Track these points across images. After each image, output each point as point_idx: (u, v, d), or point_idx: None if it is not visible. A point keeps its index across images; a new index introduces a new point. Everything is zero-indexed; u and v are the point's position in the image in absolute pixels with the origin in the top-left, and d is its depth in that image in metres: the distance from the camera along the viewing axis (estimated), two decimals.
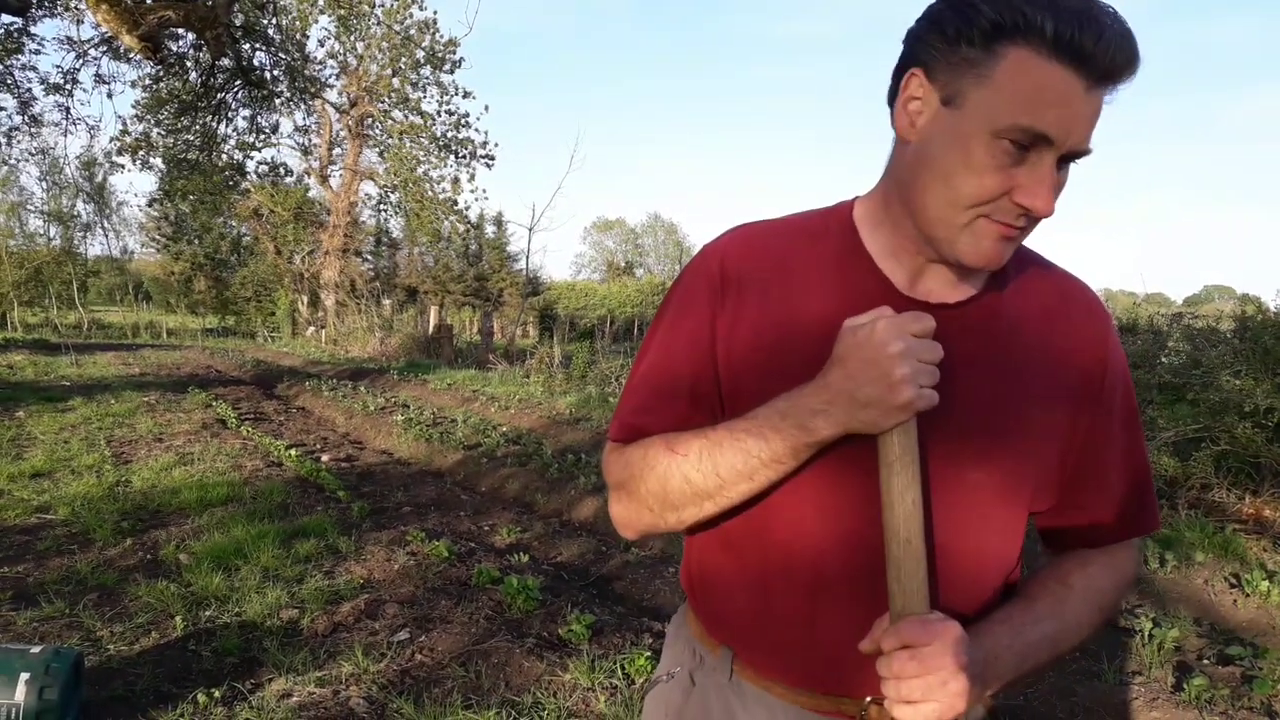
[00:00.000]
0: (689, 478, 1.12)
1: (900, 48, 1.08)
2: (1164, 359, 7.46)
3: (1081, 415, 1.15)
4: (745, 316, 1.16)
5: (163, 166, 21.16)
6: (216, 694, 3.39)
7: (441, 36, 28.20)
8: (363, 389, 13.78)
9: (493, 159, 29.19)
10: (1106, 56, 0.94)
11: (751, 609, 1.20)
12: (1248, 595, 4.57)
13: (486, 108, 39.50)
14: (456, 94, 29.03)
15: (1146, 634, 4.00)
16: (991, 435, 1.10)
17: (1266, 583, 4.54)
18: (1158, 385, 6.98)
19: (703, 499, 1.12)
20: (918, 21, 1.05)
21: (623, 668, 3.63)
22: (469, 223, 31.88)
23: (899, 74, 1.07)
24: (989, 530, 1.14)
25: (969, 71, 0.98)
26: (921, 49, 1.03)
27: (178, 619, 4.11)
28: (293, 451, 8.59)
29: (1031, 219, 1.01)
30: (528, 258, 26.95)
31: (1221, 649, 4.06)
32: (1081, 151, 0.99)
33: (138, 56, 13.32)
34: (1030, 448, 1.13)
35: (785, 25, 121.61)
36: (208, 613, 4.25)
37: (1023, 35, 0.94)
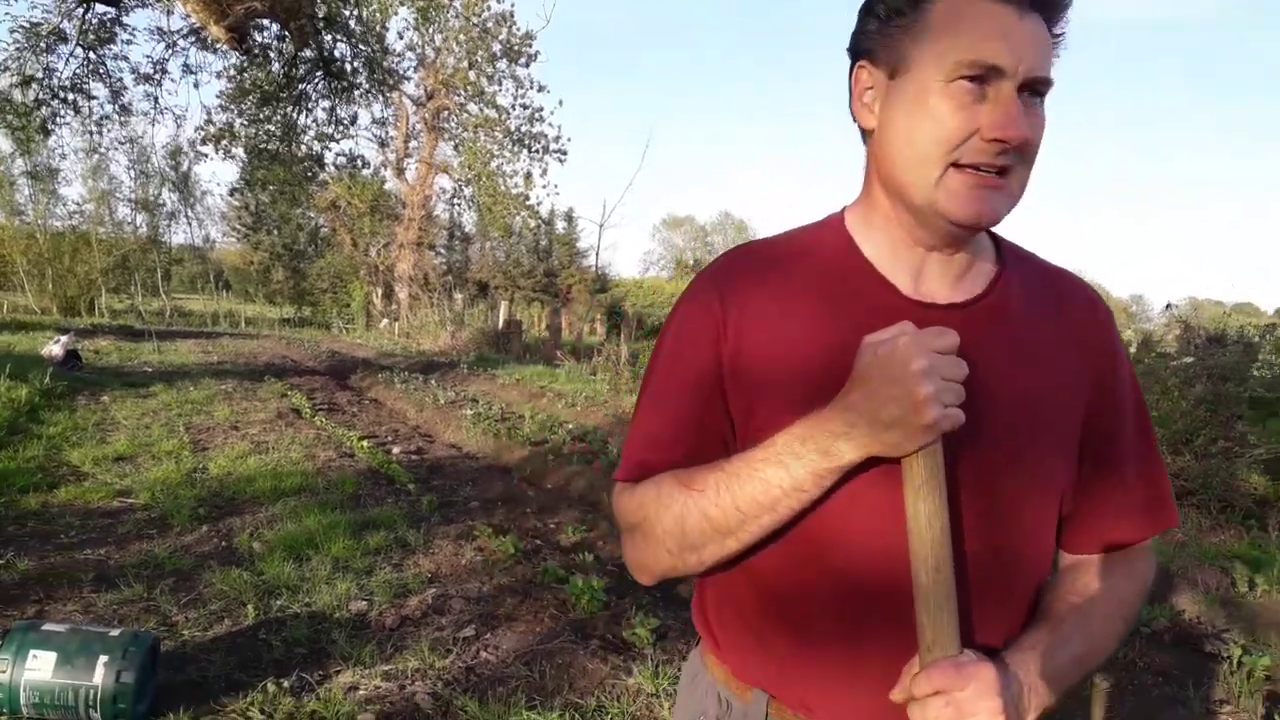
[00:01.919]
0: (707, 514, 1.06)
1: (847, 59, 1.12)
2: (1256, 372, 7.19)
3: (1096, 408, 1.13)
4: (748, 339, 1.11)
5: (244, 156, 21.61)
6: (285, 684, 3.44)
7: (518, 29, 28.42)
8: (433, 382, 13.95)
9: (565, 154, 29.41)
10: None
11: (787, 647, 1.13)
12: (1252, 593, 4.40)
13: (561, 102, 39.69)
14: (531, 88, 29.28)
15: (1235, 661, 3.84)
16: (1017, 438, 1.07)
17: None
18: (1249, 399, 6.72)
19: (724, 536, 1.07)
20: (856, 20, 1.10)
21: None
22: (540, 218, 32.13)
23: (850, 76, 1.11)
24: (1024, 540, 1.11)
25: (904, 37, 1.02)
26: (861, 42, 1.08)
27: (249, 607, 4.18)
28: (365, 443, 8.72)
29: (1010, 154, 0.99)
30: (597, 254, 27.15)
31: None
32: (1042, 80, 0.98)
33: (224, 47, 13.64)
34: (1055, 446, 1.10)
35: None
36: (279, 602, 4.32)
37: None
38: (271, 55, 17.00)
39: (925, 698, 0.96)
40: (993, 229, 1.12)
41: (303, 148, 22.11)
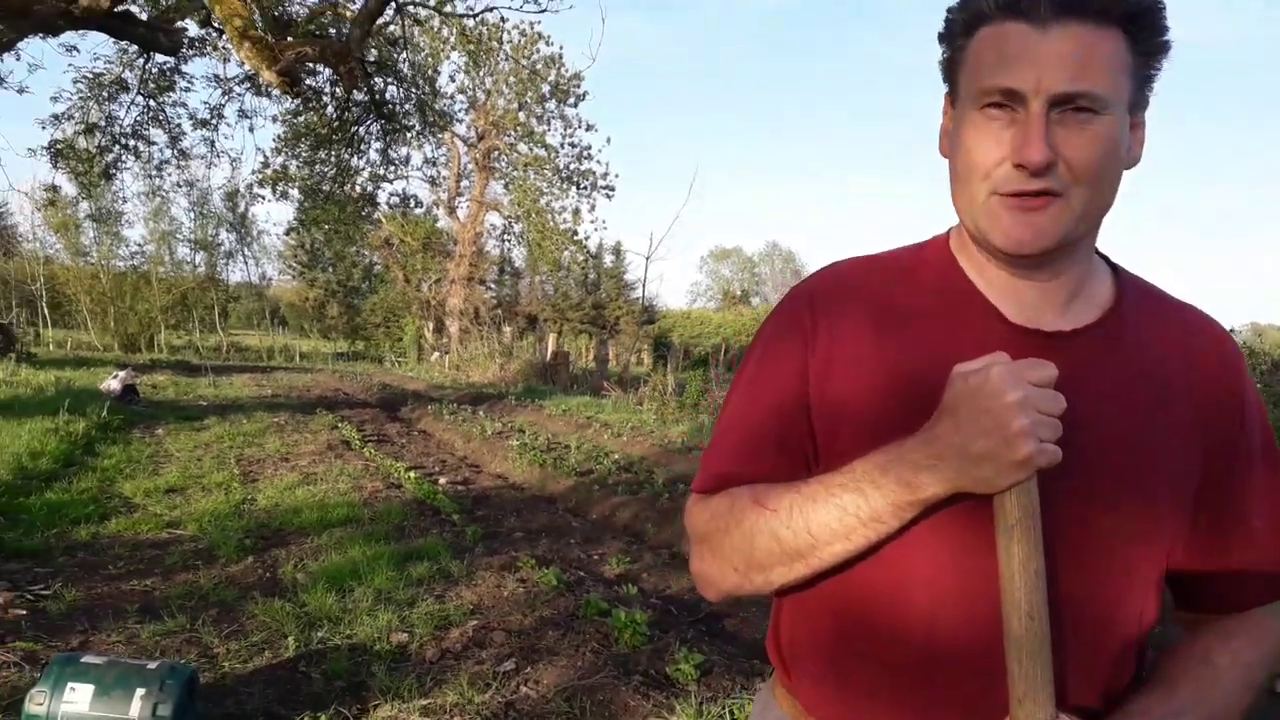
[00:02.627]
0: (778, 535, 1.02)
1: None
2: None
3: (1217, 453, 1.04)
4: (840, 358, 1.07)
5: (299, 197, 22.05)
6: (323, 718, 3.40)
7: (566, 71, 28.77)
8: (481, 413, 13.99)
9: (613, 189, 29.62)
10: None
11: (861, 686, 1.07)
12: None
13: (609, 140, 39.98)
14: (579, 126, 29.60)
15: None
16: (1122, 477, 0.99)
17: None
18: None
19: (793, 559, 1.02)
20: None
21: (732, 713, 3.49)
22: (588, 252, 32.36)
23: None
24: (1126, 587, 1.01)
25: (958, 70, 1.02)
26: (942, 73, 1.07)
27: (290, 639, 4.16)
28: (412, 474, 8.74)
29: (1052, 178, 0.94)
30: (644, 286, 27.16)
31: None
32: (1071, 94, 0.93)
33: (277, 92, 13.93)
34: (1165, 489, 1.02)
35: (912, 54, 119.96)
36: (320, 633, 4.29)
37: (982, 19, 0.98)
38: (324, 99, 17.37)
39: None
40: (1109, 258, 1.09)
41: (356, 188, 22.51)
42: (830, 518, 0.98)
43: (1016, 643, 0.91)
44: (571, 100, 29.86)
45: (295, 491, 7.65)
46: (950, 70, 1.04)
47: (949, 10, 1.02)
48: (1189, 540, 1.04)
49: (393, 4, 13.46)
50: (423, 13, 16.89)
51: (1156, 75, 0.98)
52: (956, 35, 1.02)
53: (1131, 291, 1.08)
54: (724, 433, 1.16)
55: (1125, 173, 1.00)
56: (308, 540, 6.06)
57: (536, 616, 4.58)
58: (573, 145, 30.00)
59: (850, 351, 1.07)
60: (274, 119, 18.77)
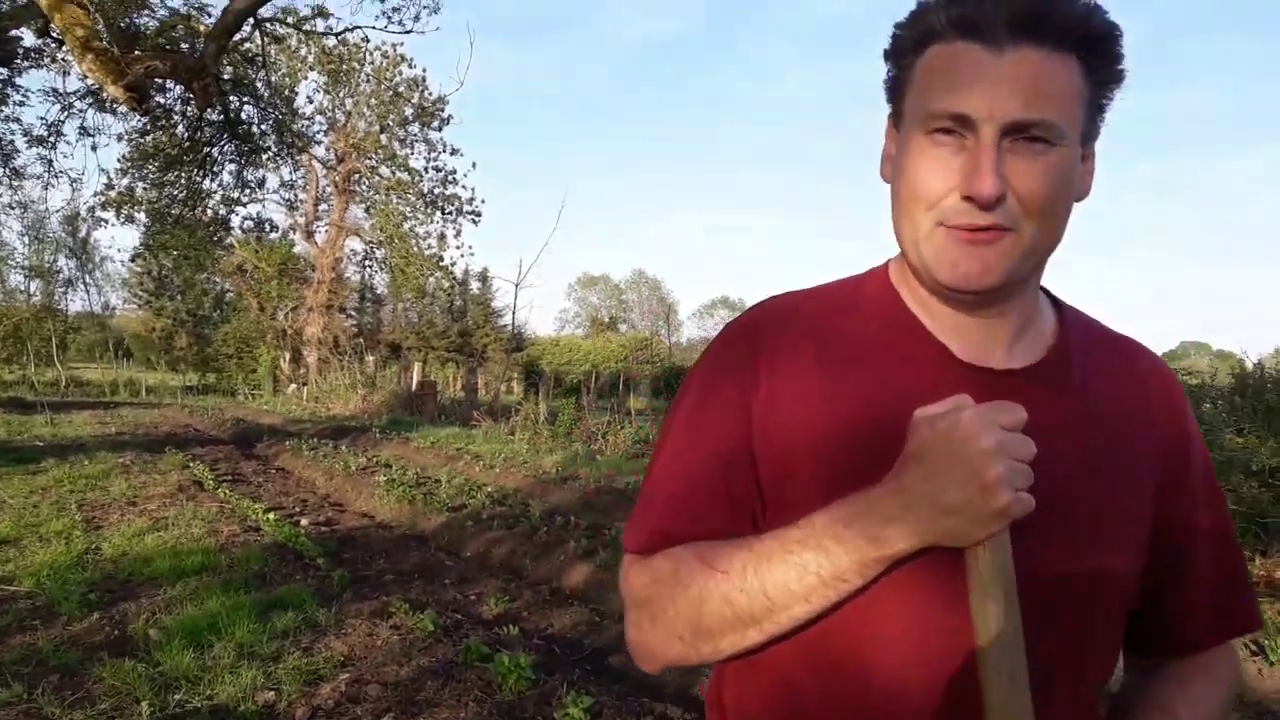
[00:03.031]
0: (731, 599, 0.92)
1: None
2: None
3: (1165, 493, 1.00)
4: (786, 398, 0.98)
5: (146, 221, 20.98)
6: None
7: (430, 94, 28.38)
8: (344, 448, 13.50)
9: (479, 215, 29.31)
10: (997, 12, 0.87)
11: None
12: (1272, 664, 4.35)
13: (474, 165, 39.41)
14: (444, 150, 29.21)
15: None
16: (1082, 522, 0.94)
17: None
18: None
19: (746, 625, 0.92)
20: None
21: None
22: (454, 279, 31.86)
23: None
24: (1088, 640, 0.96)
25: (903, 91, 0.96)
26: (886, 93, 1.01)
27: (144, 704, 3.82)
28: (271, 515, 8.30)
29: (1003, 212, 0.88)
30: (514, 313, 26.94)
31: None
32: (1026, 123, 0.87)
33: (123, 109, 13.21)
34: (1124, 532, 0.97)
35: (772, 87, 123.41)
36: (177, 696, 3.96)
37: (931, 37, 0.92)
38: (175, 117, 16.59)
39: None
40: (1050, 291, 1.04)
41: (208, 212, 21.59)
42: (789, 578, 0.89)
43: (997, 707, 0.85)
44: (436, 124, 29.46)
45: (145, 538, 7.14)
46: (895, 90, 0.98)
47: (897, 26, 0.96)
48: (1144, 584, 1.01)
49: (250, 19, 12.94)
50: (282, 30, 16.35)
51: (1109, 105, 0.94)
52: (904, 53, 0.95)
53: (1075, 327, 1.04)
54: (659, 483, 1.05)
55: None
56: (160, 592, 5.65)
57: (414, 666, 4.36)
58: (437, 169, 29.58)
59: (795, 391, 0.99)
60: (119, 137, 17.79)
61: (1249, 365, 9.00)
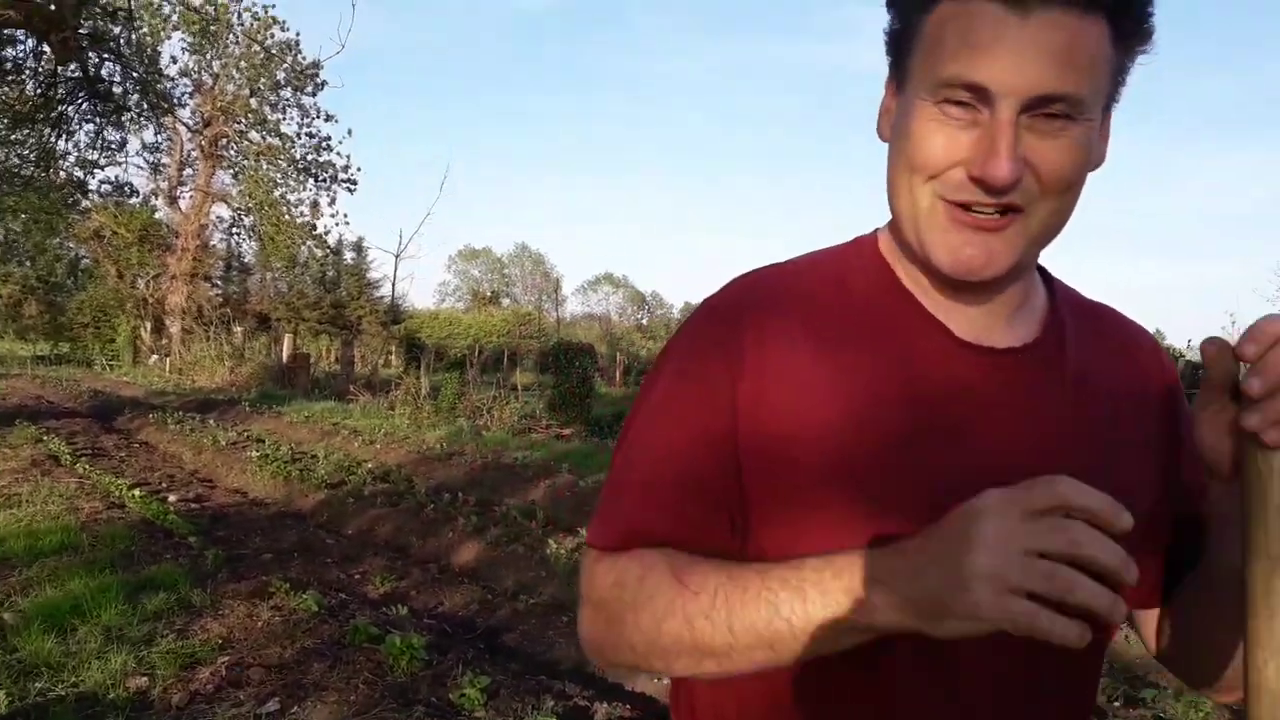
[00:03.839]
0: (693, 622, 0.82)
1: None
2: None
3: (1181, 463, 0.95)
4: (778, 384, 0.88)
5: None
6: None
7: (304, 58, 27.32)
8: (212, 422, 12.95)
9: (355, 183, 28.42)
10: None
11: None
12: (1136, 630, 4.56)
13: (350, 131, 38.08)
14: (318, 116, 28.17)
15: None
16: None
17: None
18: None
19: (703, 655, 0.83)
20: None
21: None
22: (328, 248, 30.91)
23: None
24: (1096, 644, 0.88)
25: (907, 49, 0.85)
26: (887, 48, 0.91)
27: (1, 693, 3.55)
28: (136, 491, 7.88)
29: (1017, 193, 0.79)
30: (394, 285, 26.37)
31: (1127, 690, 4.01)
32: (1050, 97, 0.77)
33: None
34: (1137, 507, 0.86)
35: (663, 63, 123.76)
36: (38, 684, 3.70)
37: None
38: (25, 73, 15.50)
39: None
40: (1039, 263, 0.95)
41: (62, 174, 20.37)
42: (758, 617, 0.79)
43: None
44: (309, 89, 28.38)
45: None
46: (899, 45, 0.87)
47: None
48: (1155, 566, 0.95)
49: None
50: None
51: (1132, 67, 0.85)
52: (909, 16, 0.84)
53: (1065, 300, 0.97)
54: (629, 471, 0.94)
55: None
56: (14, 573, 5.27)
57: (298, 648, 4.18)
58: (310, 136, 28.44)
59: (789, 375, 0.88)
60: None
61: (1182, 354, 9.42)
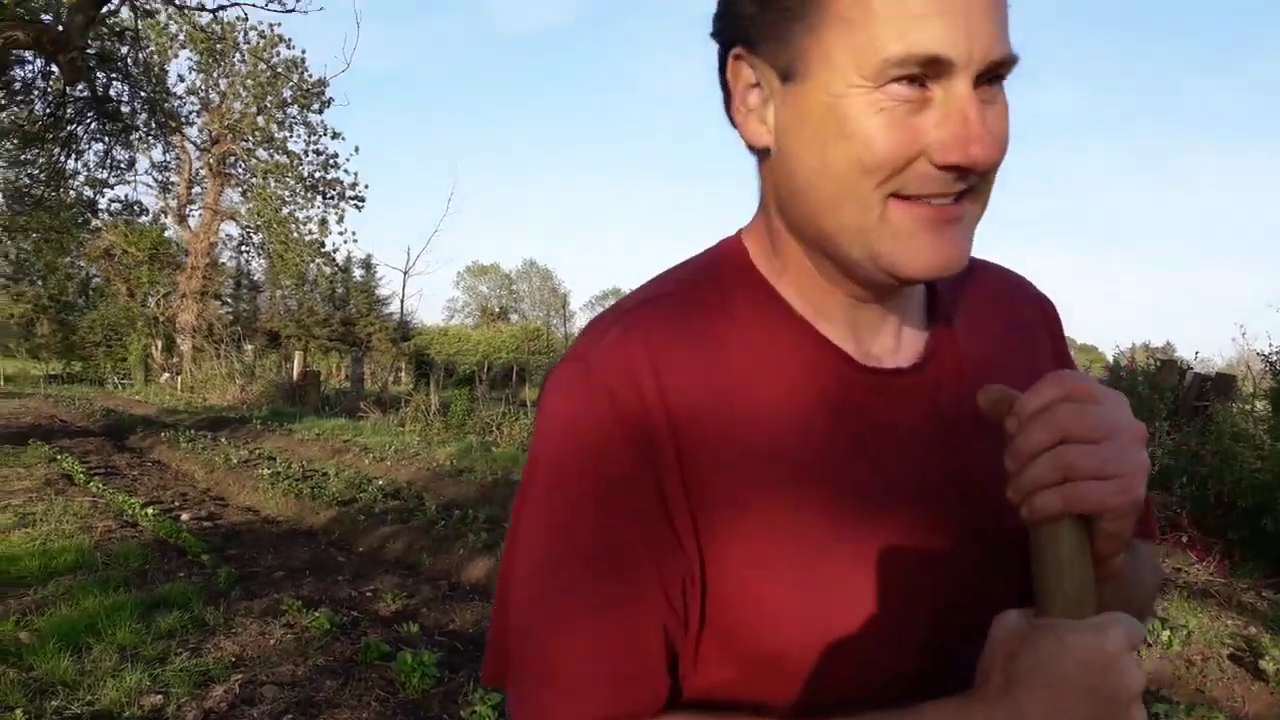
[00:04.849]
0: None
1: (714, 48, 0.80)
2: None
3: None
4: (692, 430, 0.74)
5: (2, 201, 19.80)
6: None
7: (310, 75, 27.50)
8: (224, 440, 13.01)
9: (363, 200, 28.55)
10: None
11: None
12: (1149, 645, 4.57)
13: (357, 149, 38.25)
14: (325, 134, 28.32)
15: None
16: (1000, 512, 0.76)
17: (1167, 633, 4.56)
18: None
19: None
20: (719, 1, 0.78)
21: None
22: (336, 265, 31.03)
23: (722, 67, 0.78)
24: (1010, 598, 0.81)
25: (795, 24, 0.71)
26: (735, 26, 0.75)
27: (18, 712, 3.59)
28: (149, 510, 7.93)
29: (970, 177, 0.70)
30: (402, 301, 26.39)
31: None
32: (1003, 61, 0.69)
33: None
34: None
35: (658, 77, 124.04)
36: (55, 702, 3.74)
37: None
38: (34, 93, 15.65)
39: (1050, 404, 0.66)
40: None
41: (71, 193, 20.50)
42: None
43: None
44: (316, 106, 28.54)
45: (10, 536, 6.75)
46: (780, 30, 0.72)
47: None
48: None
49: None
50: (156, 4, 15.59)
51: None
52: None
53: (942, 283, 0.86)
54: (574, 641, 0.73)
55: None
56: (30, 592, 5.33)
57: (311, 665, 4.21)
58: (318, 153, 28.61)
59: (704, 419, 0.75)
60: None
61: (1109, 359, 9.45)
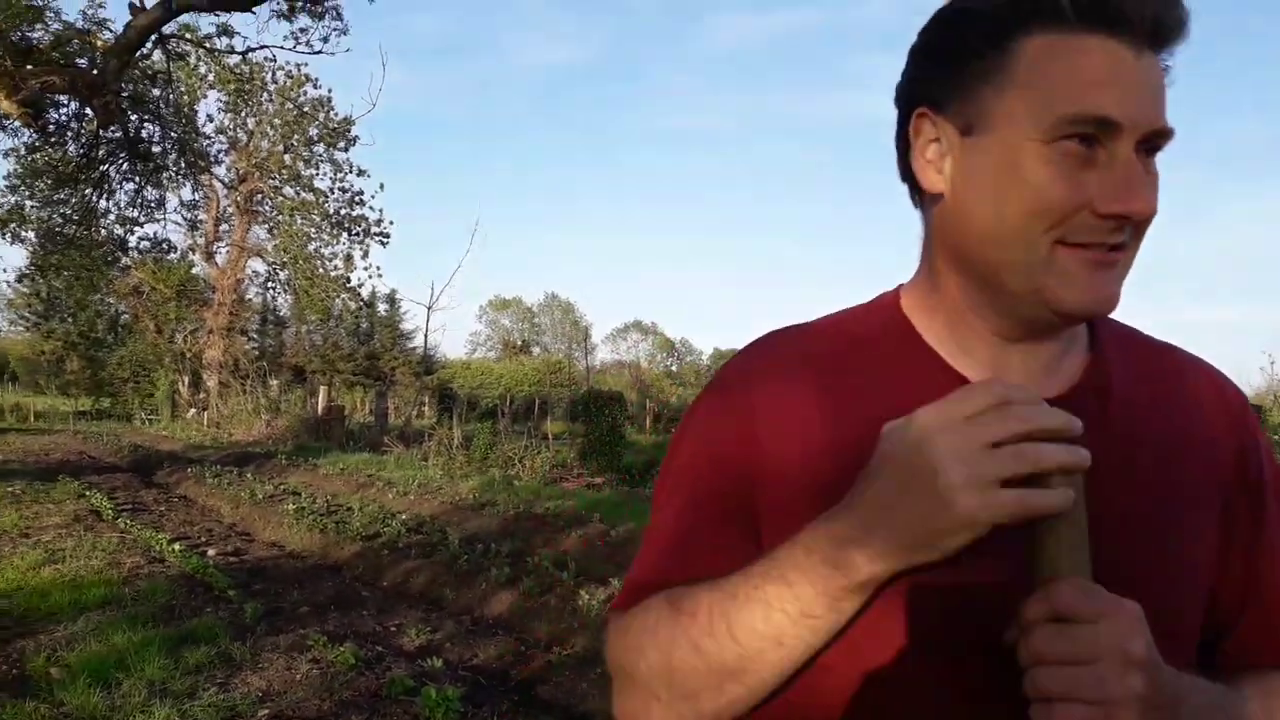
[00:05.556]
0: (699, 646, 0.80)
1: (895, 109, 0.91)
2: None
3: (1237, 517, 0.90)
4: (788, 450, 0.87)
5: (35, 240, 20.13)
6: None
7: (336, 114, 27.91)
8: (249, 475, 13.11)
9: (388, 236, 28.82)
10: (1144, 8, 0.77)
11: None
12: None
13: (382, 186, 38.82)
14: (351, 171, 28.69)
15: None
16: (1136, 557, 0.82)
17: None
18: None
19: (722, 678, 0.80)
20: (907, 62, 0.89)
21: None
22: (361, 300, 31.30)
23: (903, 126, 0.89)
24: None
25: (983, 87, 0.81)
26: (920, 88, 0.86)
27: None
28: (176, 545, 8.01)
29: (1127, 229, 0.79)
30: (426, 336, 26.43)
31: None
32: (1162, 132, 0.79)
33: (15, 123, 12.69)
34: (1180, 567, 0.85)
35: (685, 117, 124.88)
36: None
37: (1036, 19, 0.79)
38: (68, 135, 15.97)
39: (1036, 622, 0.71)
40: None
41: (103, 231, 20.82)
42: (755, 618, 0.78)
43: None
44: (342, 144, 28.95)
45: (40, 571, 6.83)
46: (964, 82, 0.82)
47: (970, 7, 0.83)
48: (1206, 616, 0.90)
49: (154, 36, 12.55)
50: (186, 47, 15.92)
51: None
52: (978, 45, 0.81)
53: (1111, 339, 0.93)
54: (650, 537, 0.95)
55: None
56: (60, 628, 5.39)
57: (336, 700, 4.25)
58: (343, 190, 29.00)
59: (801, 440, 0.87)
60: (6, 154, 17.02)
61: None
